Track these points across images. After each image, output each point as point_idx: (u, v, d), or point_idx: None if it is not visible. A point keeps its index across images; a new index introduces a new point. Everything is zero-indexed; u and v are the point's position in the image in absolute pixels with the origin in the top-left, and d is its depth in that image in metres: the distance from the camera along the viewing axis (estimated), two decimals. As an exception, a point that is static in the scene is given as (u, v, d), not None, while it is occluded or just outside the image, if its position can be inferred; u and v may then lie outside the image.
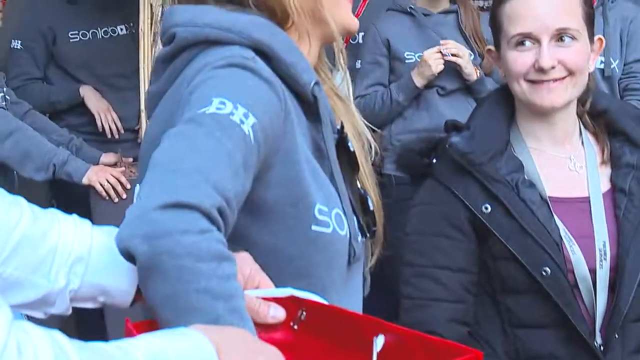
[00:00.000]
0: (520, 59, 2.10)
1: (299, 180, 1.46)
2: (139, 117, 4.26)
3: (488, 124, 2.18)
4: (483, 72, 4.13)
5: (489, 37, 3.91)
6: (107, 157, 4.17)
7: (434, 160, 2.19)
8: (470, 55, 4.10)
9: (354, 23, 1.68)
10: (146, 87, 3.98)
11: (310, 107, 1.55)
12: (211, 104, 1.35)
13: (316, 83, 1.54)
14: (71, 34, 4.58)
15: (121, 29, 4.64)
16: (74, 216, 1.41)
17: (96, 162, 4.09)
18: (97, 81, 4.57)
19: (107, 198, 3.99)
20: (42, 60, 4.55)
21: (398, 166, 2.30)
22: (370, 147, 1.69)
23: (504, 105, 2.21)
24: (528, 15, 2.09)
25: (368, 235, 1.58)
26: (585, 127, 2.22)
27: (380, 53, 4.17)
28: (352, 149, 1.60)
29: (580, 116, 2.21)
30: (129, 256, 1.21)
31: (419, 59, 4.08)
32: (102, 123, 4.49)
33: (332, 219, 1.49)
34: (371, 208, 1.60)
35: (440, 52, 4.02)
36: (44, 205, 1.39)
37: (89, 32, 4.60)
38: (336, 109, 1.67)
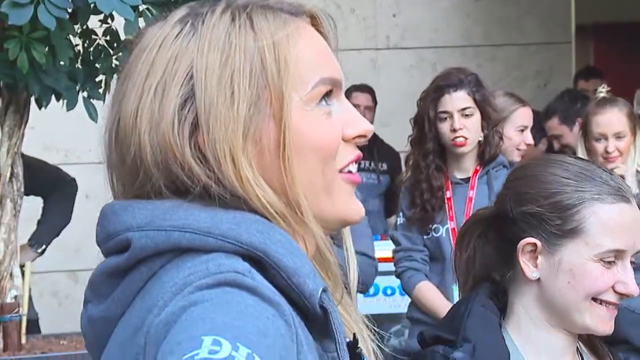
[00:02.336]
0: (606, 277, 1.87)
1: None
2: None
3: (489, 335, 1.91)
4: None
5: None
6: None
7: None
8: None
9: (354, 211, 1.25)
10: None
11: (315, 320, 1.17)
12: (201, 345, 1.01)
13: (324, 290, 1.17)
14: None
15: None
16: None
17: None
18: None
19: None
20: None
21: None
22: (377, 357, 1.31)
23: (492, 312, 1.95)
24: (627, 229, 1.89)
25: None
26: (580, 340, 2.03)
27: None
28: None
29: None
30: None
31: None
32: None
33: None
34: None
35: None
36: None
37: None
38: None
